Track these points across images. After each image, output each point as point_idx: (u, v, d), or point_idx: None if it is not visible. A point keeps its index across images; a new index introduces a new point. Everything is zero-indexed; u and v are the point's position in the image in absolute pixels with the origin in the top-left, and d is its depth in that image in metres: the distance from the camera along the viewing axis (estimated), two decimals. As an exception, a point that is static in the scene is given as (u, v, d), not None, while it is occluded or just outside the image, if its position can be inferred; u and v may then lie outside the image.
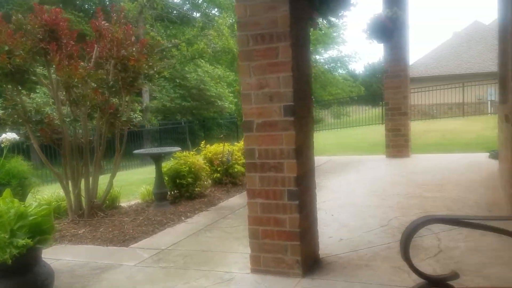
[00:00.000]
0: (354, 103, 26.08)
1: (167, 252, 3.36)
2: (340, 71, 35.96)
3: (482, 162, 6.43)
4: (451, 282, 1.31)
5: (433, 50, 27.69)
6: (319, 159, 7.82)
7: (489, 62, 22.00)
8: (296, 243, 2.67)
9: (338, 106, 26.22)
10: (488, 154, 6.80)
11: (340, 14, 3.36)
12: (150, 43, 4.72)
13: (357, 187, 5.28)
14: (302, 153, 2.75)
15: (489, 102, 21.00)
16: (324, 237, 3.35)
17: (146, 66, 4.44)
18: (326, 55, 33.73)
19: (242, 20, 2.69)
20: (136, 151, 4.97)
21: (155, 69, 4.68)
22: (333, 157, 8.35)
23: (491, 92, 19.80)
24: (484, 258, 2.78)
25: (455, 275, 1.30)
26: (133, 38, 4.52)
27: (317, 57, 32.01)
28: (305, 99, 2.83)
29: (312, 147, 2.97)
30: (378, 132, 10.42)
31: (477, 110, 20.45)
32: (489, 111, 20.21)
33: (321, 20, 4.25)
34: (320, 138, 16.32)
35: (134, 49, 4.42)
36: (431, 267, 2.69)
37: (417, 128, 14.96)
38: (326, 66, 33.17)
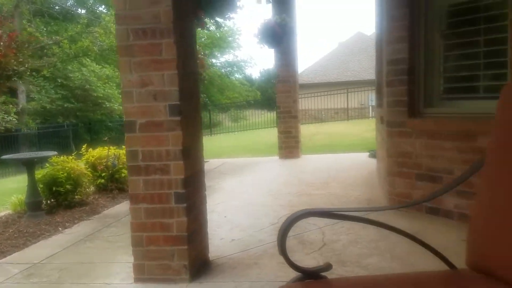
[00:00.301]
0: (251, 107, 26.73)
1: (40, 266, 3.01)
2: (237, 75, 36.62)
3: (363, 161, 6.96)
4: (325, 273, 1.32)
5: (321, 59, 29.64)
6: (215, 162, 7.81)
7: (370, 70, 24.17)
8: (184, 247, 2.56)
9: (235, 110, 26.63)
10: (368, 153, 7.40)
11: (227, 16, 3.35)
12: (21, 38, 4.23)
13: (251, 188, 5.34)
14: (190, 154, 2.66)
15: (370, 107, 23.08)
16: (215, 239, 3.30)
17: (15, 62, 3.97)
18: (222, 59, 34.13)
19: (121, 13, 2.52)
20: (3, 157, 4.40)
21: (26, 66, 4.21)
22: (230, 159, 8.38)
23: (372, 98, 21.78)
24: (364, 249, 2.95)
25: (328, 267, 1.32)
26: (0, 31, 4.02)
27: (214, 60, 32.20)
28: (192, 98, 2.74)
29: (201, 147, 2.89)
30: (273, 134, 10.74)
31: (360, 114, 22.34)
32: (370, 115, 22.22)
33: (211, 21, 4.23)
34: (218, 141, 16.38)
35: (1, 43, 3.92)
36: (315, 260, 2.78)
37: (307, 131, 15.82)
38: (223, 70, 33.49)
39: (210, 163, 7.61)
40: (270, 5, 6.95)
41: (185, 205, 2.55)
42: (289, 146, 7.65)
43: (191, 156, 2.66)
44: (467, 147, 3.36)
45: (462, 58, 3.78)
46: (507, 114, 1.33)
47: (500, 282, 1.22)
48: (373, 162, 6.42)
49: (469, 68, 3.67)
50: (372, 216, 3.62)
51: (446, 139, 3.54)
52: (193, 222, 2.65)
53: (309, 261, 2.77)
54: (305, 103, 23.45)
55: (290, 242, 3.16)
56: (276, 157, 7.78)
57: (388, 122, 4.09)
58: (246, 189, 5.29)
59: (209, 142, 16.14)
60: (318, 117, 22.63)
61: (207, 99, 22.53)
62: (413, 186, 3.85)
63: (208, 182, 5.70)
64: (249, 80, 39.51)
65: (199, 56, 6.78)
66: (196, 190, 2.74)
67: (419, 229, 3.27)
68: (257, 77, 44.33)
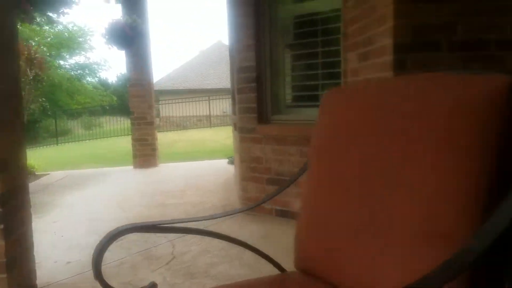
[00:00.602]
0: (106, 113, 25.13)
1: None
2: (89, 79, 33.82)
3: (222, 167, 7.01)
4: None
5: (183, 65, 29.55)
6: (57, 174, 7.02)
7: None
8: (3, 276, 2.15)
9: (89, 116, 24.70)
10: (227, 160, 7.49)
11: (60, 11, 2.97)
12: None
13: (97, 202, 4.89)
14: (8, 165, 2.24)
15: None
16: (48, 262, 2.88)
17: None
18: (72, 61, 31.24)
19: None
20: None
21: None
22: (76, 171, 7.65)
23: (232, 106, 22.40)
24: (214, 258, 2.88)
25: (152, 286, 1.17)
26: None
27: (62, 62, 29.39)
28: (9, 100, 2.33)
29: (23, 157, 2.48)
30: (130, 143, 10.25)
31: (223, 121, 22.77)
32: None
33: (44, 16, 3.73)
34: (65, 150, 14.95)
35: None
36: (162, 276, 2.60)
37: (169, 138, 15.54)
38: (72, 73, 30.70)
39: (51, 176, 6.81)
40: (120, 6, 6.56)
41: (2, 226, 2.13)
42: (145, 154, 7.30)
43: (9, 169, 2.25)
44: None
45: (305, 68, 4.03)
46: (322, 119, 1.38)
47: (325, 283, 1.22)
48: (231, 168, 6.52)
49: (310, 78, 3.92)
50: (228, 221, 3.58)
51: (291, 144, 3.71)
52: (13, 246, 2.24)
53: (154, 278, 2.58)
54: (167, 110, 23.06)
55: (135, 259, 2.92)
56: (131, 167, 7.35)
57: (240, 128, 4.14)
58: (91, 204, 4.82)
59: (54, 153, 14.65)
60: (181, 124, 22.43)
61: (47, 104, 20.33)
62: (264, 190, 3.95)
63: (46, 197, 5.10)
64: (104, 84, 36.94)
65: (37, 55, 6.03)
66: (17, 208, 2.33)
67: (267, 232, 3.34)
68: (113, 81, 41.78)
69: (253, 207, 1.56)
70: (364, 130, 1.21)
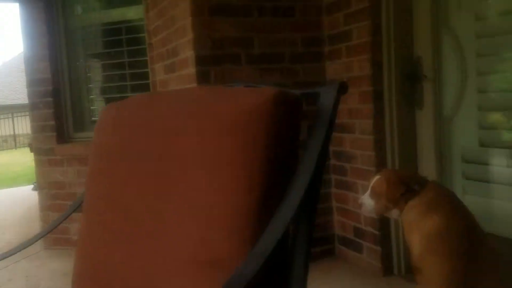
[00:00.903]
0: None
1: None
2: None
3: (26, 195, 6.13)
4: None
5: (-20, 79, 25.29)
6: None
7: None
8: None
9: None
10: (32, 186, 6.55)
11: None
12: None
13: None
14: None
15: (43, 133, 21.21)
16: None
17: None
18: None
19: None
20: None
21: None
22: None
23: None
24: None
25: None
26: None
27: None
28: None
29: None
30: None
31: (32, 141, 20.20)
32: (44, 142, 20.45)
33: None
34: None
35: None
36: None
37: (-42, 165, 12.94)
38: None
39: None
40: None
41: None
42: None
43: None
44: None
45: (113, 80, 3.75)
46: (97, 137, 1.20)
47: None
48: (36, 194, 5.70)
49: (119, 90, 3.65)
50: (25, 260, 3.04)
51: (99, 164, 3.37)
52: None
53: None
54: (-41, 132, 19.29)
55: None
56: None
57: (36, 149, 3.67)
58: None
59: None
60: (-19, 148, 19.04)
61: None
62: (70, 219, 3.46)
63: None
64: None
65: None
66: None
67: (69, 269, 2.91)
68: None
69: (26, 246, 1.25)
70: (140, 149, 1.06)
